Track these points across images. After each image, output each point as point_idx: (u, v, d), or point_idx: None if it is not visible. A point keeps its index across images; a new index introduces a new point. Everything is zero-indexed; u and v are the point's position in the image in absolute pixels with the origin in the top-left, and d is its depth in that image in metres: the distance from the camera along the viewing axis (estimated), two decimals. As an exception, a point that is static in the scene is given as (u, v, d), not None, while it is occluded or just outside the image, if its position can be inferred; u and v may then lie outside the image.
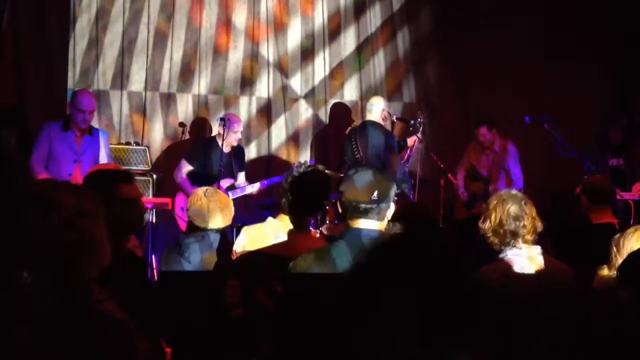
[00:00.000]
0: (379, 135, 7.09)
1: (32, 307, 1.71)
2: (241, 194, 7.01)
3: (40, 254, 1.71)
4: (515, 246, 3.53)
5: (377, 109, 7.25)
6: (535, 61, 8.30)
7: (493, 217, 3.56)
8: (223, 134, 6.90)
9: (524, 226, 3.52)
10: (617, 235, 3.43)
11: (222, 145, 6.98)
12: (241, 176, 7.19)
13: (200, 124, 7.85)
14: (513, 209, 3.53)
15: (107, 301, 1.88)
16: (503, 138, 7.54)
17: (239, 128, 7.06)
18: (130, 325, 1.84)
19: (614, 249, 3.36)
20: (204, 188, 4.56)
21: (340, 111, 8.18)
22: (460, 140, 7.94)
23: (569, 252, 3.91)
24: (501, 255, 3.55)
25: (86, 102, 6.32)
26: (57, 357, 1.66)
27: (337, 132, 8.00)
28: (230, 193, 6.76)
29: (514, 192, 3.70)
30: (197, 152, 7.10)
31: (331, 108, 8.19)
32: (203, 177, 6.86)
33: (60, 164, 6.27)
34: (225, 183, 6.96)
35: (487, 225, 3.58)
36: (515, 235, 3.53)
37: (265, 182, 7.11)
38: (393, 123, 7.75)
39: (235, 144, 7.09)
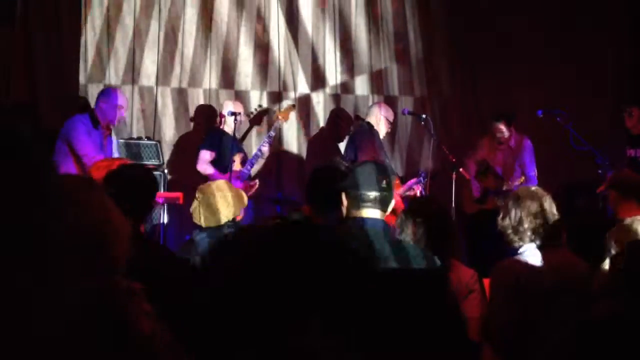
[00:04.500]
0: (356, 135, 7.26)
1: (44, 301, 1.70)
2: (259, 158, 7.08)
3: (61, 253, 1.71)
4: (534, 242, 3.50)
5: (372, 113, 7.42)
6: (548, 52, 8.24)
7: (513, 214, 3.52)
8: (234, 129, 6.92)
9: (543, 224, 3.49)
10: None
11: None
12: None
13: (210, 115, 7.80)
14: (533, 207, 3.49)
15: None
16: (519, 134, 7.36)
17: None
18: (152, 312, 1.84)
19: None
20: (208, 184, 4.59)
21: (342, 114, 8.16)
22: (472, 134, 7.89)
23: (590, 249, 3.85)
24: (521, 251, 3.52)
25: (122, 98, 6.48)
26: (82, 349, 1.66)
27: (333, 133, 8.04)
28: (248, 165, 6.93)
29: (533, 188, 3.65)
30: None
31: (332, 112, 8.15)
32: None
33: (92, 160, 6.25)
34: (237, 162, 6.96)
35: (506, 222, 3.55)
36: (535, 232, 3.49)
37: (267, 139, 7.13)
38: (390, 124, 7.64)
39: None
